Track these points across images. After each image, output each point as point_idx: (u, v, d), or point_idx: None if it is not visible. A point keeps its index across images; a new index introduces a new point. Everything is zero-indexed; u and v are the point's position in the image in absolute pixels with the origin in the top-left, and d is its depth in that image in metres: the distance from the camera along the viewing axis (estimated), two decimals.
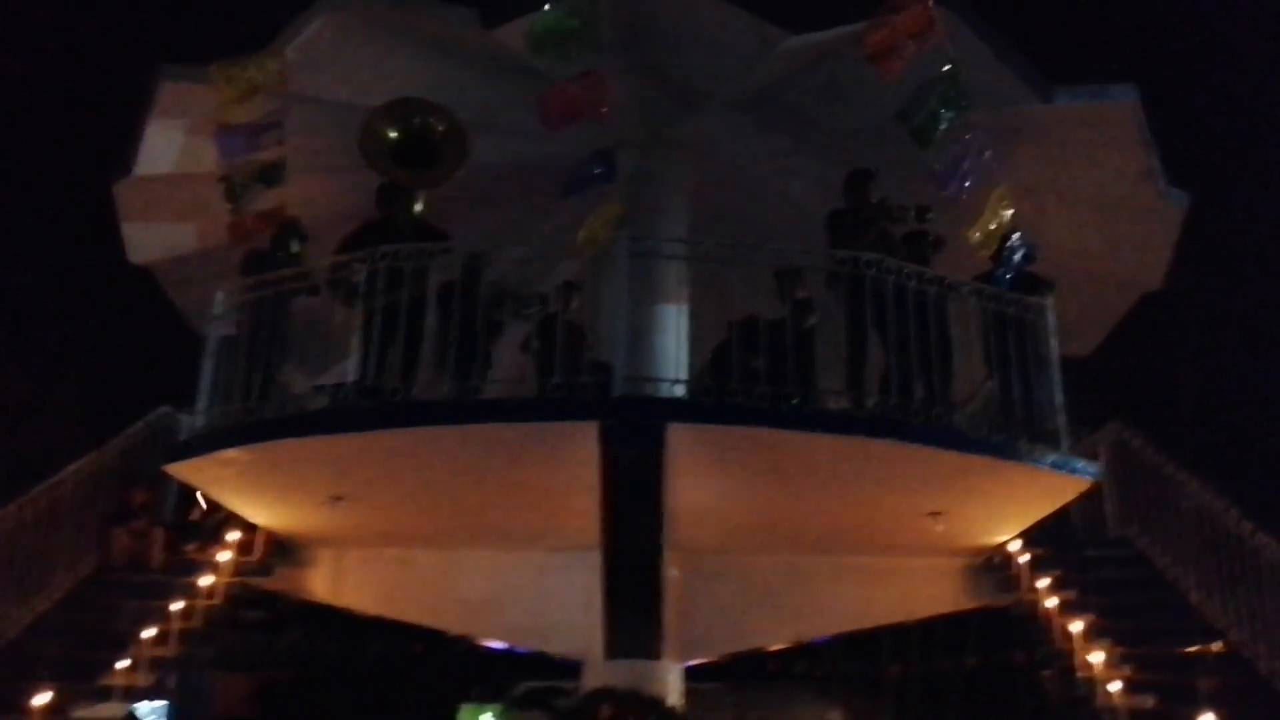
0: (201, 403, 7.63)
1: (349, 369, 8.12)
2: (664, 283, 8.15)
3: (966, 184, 6.86)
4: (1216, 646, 7.81)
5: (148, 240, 9.45)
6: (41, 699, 6.83)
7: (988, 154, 6.89)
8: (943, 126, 6.65)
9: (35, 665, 7.52)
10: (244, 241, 7.83)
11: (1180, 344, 15.16)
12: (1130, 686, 7.51)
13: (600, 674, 8.65)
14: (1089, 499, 9.18)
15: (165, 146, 8.49)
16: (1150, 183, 8.40)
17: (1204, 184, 9.63)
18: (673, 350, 8.13)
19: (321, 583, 9.48)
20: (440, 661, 17.44)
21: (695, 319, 8.49)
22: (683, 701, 8.97)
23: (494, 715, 23.53)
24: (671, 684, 8.89)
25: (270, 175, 7.55)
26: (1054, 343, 7.50)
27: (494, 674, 20.39)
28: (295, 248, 8.25)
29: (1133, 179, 8.46)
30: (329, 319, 8.20)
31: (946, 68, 6.57)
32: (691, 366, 8.40)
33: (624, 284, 7.32)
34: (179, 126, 8.38)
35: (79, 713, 7.08)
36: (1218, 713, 6.93)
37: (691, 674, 10.10)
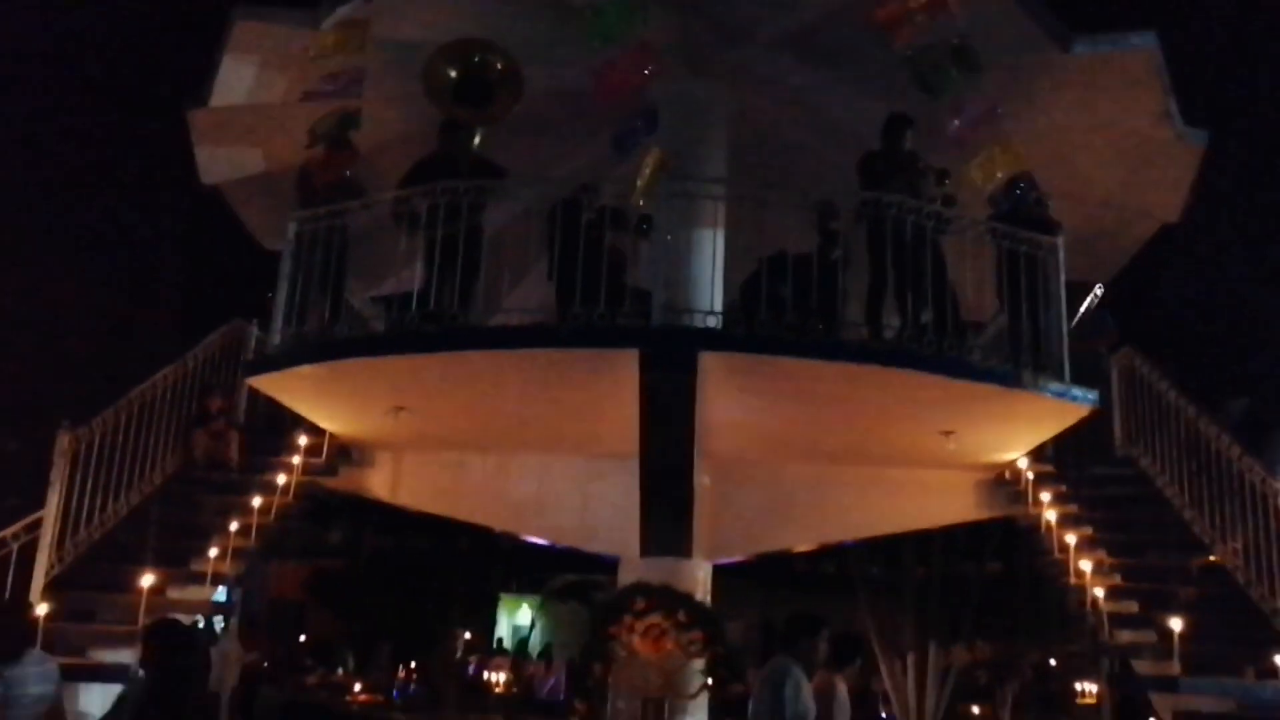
0: (277, 321, 8.59)
1: (405, 281, 8.99)
2: (702, 214, 8.89)
3: (973, 138, 7.54)
4: (1223, 557, 8.71)
5: (218, 163, 10.25)
6: (147, 580, 7.97)
7: (999, 110, 7.57)
8: (952, 86, 7.31)
9: (134, 552, 8.66)
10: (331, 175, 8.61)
11: (1198, 273, 15.80)
12: (1116, 593, 8.47)
13: (635, 570, 9.70)
14: (1100, 419, 10.05)
15: (237, 79, 9.25)
16: (1168, 124, 9.00)
17: (1230, 120, 10.16)
18: (708, 278, 8.89)
19: (380, 482, 10.54)
20: (483, 556, 18.72)
21: (732, 246, 9.26)
22: (710, 596, 10.03)
23: (532, 605, 25.23)
24: (700, 580, 9.93)
25: (348, 122, 8.35)
26: (1061, 279, 8.24)
27: (532, 568, 21.88)
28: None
29: (1151, 120, 9.04)
30: (387, 235, 9.04)
31: (957, 40, 7.20)
32: (730, 290, 9.20)
33: (663, 225, 8.11)
34: (251, 61, 9.13)
35: None
36: (1192, 618, 7.90)
37: (725, 572, 11.17)
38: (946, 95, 7.53)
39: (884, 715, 18.02)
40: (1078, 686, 16.33)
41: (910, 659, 17.23)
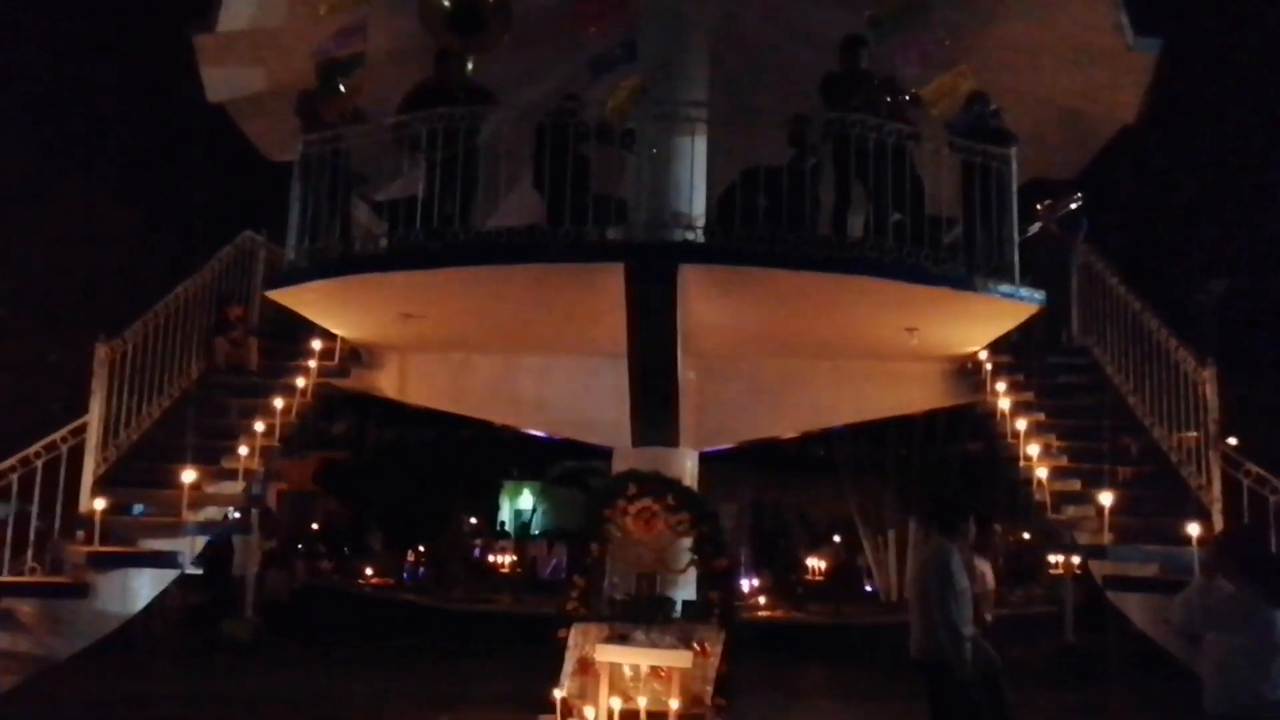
0: (291, 238, 9.48)
1: (408, 184, 9.77)
2: (683, 129, 9.63)
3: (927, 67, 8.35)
4: (1190, 436, 9.68)
5: (223, 82, 11.02)
6: (189, 476, 9.01)
7: (947, 42, 8.34)
8: (900, 29, 8.08)
9: (169, 451, 9.68)
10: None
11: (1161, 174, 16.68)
12: (1062, 473, 9.53)
13: (627, 459, 10.77)
14: (1059, 313, 11.02)
15: (242, 5, 9.98)
16: (1120, 35, 9.74)
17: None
18: (688, 189, 9.66)
19: (389, 382, 11.55)
20: (485, 445, 19.84)
21: (713, 156, 9.97)
22: (697, 482, 11.11)
23: (533, 491, 26.56)
24: (688, 467, 11.02)
25: (352, 64, 9.11)
26: (1014, 188, 9.09)
27: (532, 456, 23.08)
28: (342, 87, 9.85)
29: (1104, 32, 9.78)
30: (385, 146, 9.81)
31: None
32: (712, 195, 9.97)
33: (647, 139, 8.90)
34: None
35: None
36: (1128, 494, 8.99)
37: (718, 458, 12.29)
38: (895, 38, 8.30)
39: (868, 589, 19.41)
40: (1050, 559, 17.60)
41: (891, 536, 18.56)
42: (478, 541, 22.38)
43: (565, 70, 11.32)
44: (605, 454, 11.97)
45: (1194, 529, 8.21)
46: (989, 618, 7.90)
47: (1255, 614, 5.34)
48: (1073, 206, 11.28)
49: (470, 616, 16.77)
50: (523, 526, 26.07)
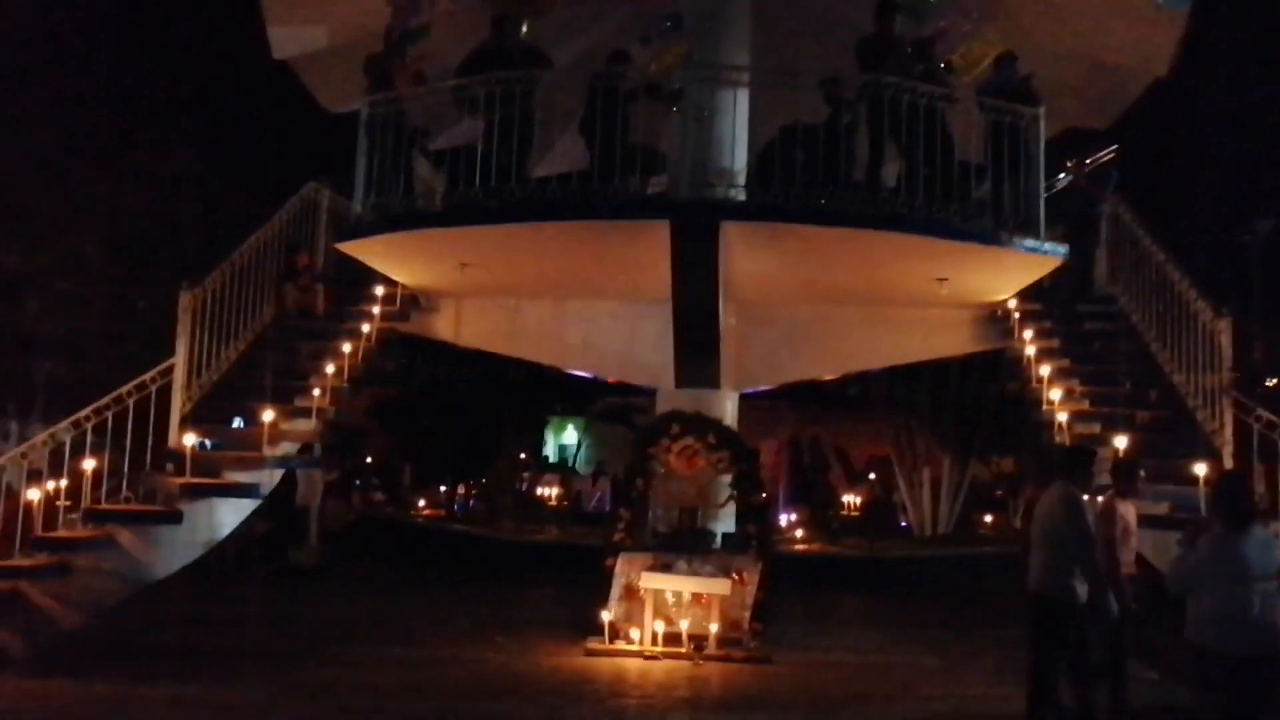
0: (358, 194, 10.23)
1: (461, 133, 10.42)
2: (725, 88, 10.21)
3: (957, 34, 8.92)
4: (1228, 377, 10.20)
5: (288, 40, 11.77)
6: (268, 415, 9.89)
7: (975, 14, 8.87)
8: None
9: (246, 391, 10.55)
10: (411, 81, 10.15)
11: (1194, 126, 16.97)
12: (1083, 417, 10.15)
13: (671, 399, 11.54)
14: (1087, 263, 11.56)
15: None
16: None
17: None
18: (729, 144, 10.15)
19: (446, 326, 12.34)
20: (531, 382, 20.64)
21: (756, 109, 10.55)
22: (737, 422, 11.85)
23: (577, 426, 27.40)
24: (728, 408, 11.77)
25: (420, 34, 9.82)
26: (1041, 146, 9.63)
27: (576, 393, 23.86)
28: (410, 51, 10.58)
29: None
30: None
31: None
32: (754, 146, 10.51)
33: (692, 98, 9.51)
34: None
35: None
36: (1142, 436, 9.61)
37: (761, 397, 12.91)
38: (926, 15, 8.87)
39: (902, 524, 20.16)
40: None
41: (926, 474, 19.26)
42: (525, 475, 23.28)
43: (610, 25, 11.92)
44: (647, 391, 12.71)
45: (1201, 470, 8.84)
46: (1133, 558, 8.36)
47: (1228, 548, 5.98)
48: (1104, 159, 11.76)
49: (519, 546, 17.66)
50: (563, 461, 26.96)
